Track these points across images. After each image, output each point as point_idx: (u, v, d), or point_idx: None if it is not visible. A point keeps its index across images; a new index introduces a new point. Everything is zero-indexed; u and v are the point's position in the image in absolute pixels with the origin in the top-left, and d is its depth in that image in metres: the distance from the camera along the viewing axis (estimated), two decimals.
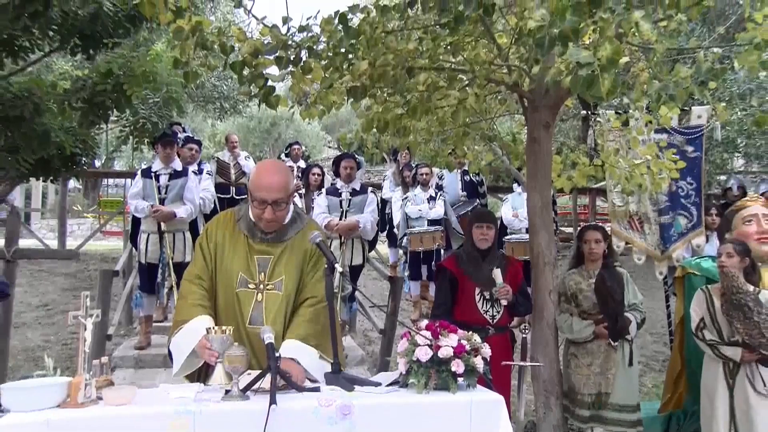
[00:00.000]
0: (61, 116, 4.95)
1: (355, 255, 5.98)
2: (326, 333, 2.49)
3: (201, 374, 2.58)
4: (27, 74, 5.15)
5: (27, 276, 8.04)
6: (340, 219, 5.87)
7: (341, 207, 5.92)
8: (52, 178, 5.49)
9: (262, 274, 2.62)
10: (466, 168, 7.29)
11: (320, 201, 6.09)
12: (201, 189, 6.17)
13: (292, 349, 2.47)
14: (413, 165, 7.70)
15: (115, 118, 6.92)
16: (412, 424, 2.23)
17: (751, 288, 3.52)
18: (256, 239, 2.65)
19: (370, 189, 6.27)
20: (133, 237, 6.08)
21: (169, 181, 5.78)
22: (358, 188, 6.03)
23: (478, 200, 7.81)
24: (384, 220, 7.96)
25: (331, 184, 6.54)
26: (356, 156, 6.20)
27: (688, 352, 4.27)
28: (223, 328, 2.29)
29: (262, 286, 2.61)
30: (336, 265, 2.46)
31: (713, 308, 3.69)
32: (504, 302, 3.88)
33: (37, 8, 4.17)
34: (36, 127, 4.60)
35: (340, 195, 5.98)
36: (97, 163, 18.77)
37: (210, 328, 2.32)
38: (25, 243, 7.61)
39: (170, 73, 5.41)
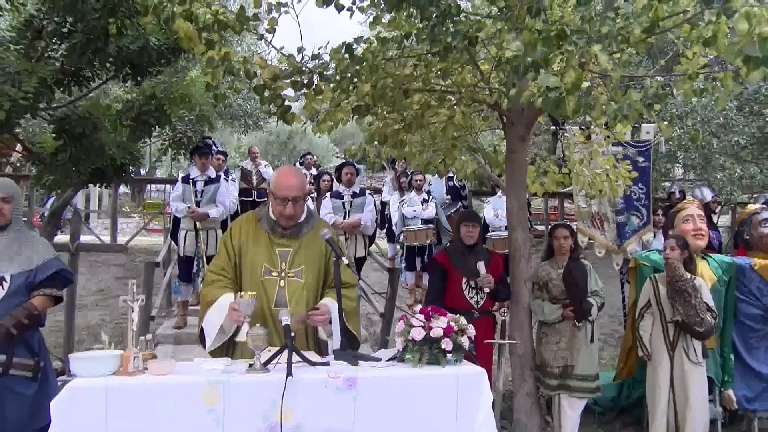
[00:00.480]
0: (114, 132, 4.95)
1: (359, 248, 5.93)
2: (353, 313, 2.57)
3: (228, 350, 2.56)
4: (89, 99, 5.16)
5: (87, 266, 7.99)
6: (344, 218, 5.84)
7: (344, 208, 5.86)
8: (105, 184, 5.48)
9: (284, 263, 2.57)
10: (451, 174, 7.26)
11: (326, 203, 6.03)
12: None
13: (331, 302, 2.51)
14: (409, 172, 7.68)
15: (157, 134, 6.92)
16: (408, 393, 2.21)
17: (688, 276, 3.62)
18: (276, 234, 2.61)
19: (368, 191, 6.23)
20: (173, 233, 6.06)
21: (204, 186, 5.77)
22: (357, 191, 5.98)
23: (460, 202, 7.78)
24: (383, 220, 7.92)
25: (335, 189, 6.50)
26: (355, 164, 6.16)
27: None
28: (250, 293, 2.28)
29: (284, 273, 2.56)
30: (343, 258, 2.44)
31: (659, 294, 3.80)
32: (487, 290, 3.86)
33: (98, 45, 4.29)
34: (93, 142, 4.61)
35: (342, 198, 5.92)
36: (142, 172, 18.77)
37: (238, 293, 2.33)
38: (85, 238, 7.63)
39: (203, 95, 5.38)
